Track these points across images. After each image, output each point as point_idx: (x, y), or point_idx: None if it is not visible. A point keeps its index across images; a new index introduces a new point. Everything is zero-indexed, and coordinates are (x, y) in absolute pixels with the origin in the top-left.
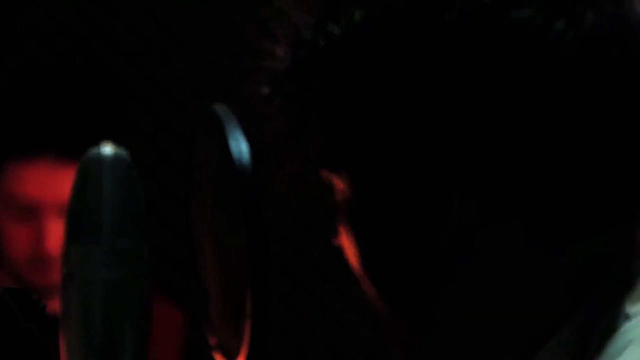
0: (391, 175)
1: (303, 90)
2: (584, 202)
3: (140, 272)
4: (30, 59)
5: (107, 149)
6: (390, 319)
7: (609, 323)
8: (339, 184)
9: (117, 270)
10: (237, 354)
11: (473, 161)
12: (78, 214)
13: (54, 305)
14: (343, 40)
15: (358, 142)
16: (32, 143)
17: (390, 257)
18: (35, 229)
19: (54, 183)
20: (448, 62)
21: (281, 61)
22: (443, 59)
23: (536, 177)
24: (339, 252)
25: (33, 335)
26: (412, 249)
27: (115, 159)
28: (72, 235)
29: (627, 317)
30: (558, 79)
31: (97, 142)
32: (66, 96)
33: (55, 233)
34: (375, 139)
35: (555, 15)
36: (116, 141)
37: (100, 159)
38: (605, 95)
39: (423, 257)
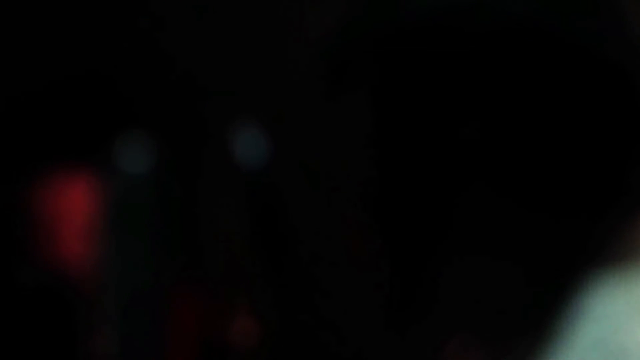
0: (421, 158)
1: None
2: (574, 195)
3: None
4: None
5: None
6: (388, 293)
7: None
8: (366, 166)
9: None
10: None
11: (482, 150)
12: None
13: None
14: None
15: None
16: None
17: (408, 235)
18: None
19: None
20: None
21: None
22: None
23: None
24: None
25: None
26: (431, 229)
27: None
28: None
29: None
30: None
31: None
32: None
33: None
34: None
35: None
36: (127, 142)
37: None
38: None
39: (440, 234)
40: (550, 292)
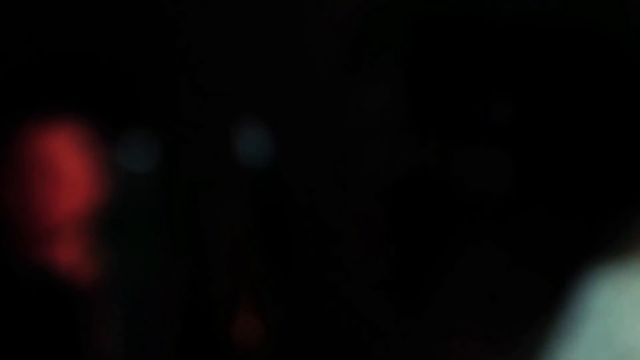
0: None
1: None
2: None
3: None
4: None
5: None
6: (395, 286)
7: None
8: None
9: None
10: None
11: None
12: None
13: None
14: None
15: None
16: None
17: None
18: None
19: None
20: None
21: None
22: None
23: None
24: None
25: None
26: (443, 222)
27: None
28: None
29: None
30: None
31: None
32: None
33: None
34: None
35: None
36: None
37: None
38: None
39: (451, 227)
40: (556, 290)
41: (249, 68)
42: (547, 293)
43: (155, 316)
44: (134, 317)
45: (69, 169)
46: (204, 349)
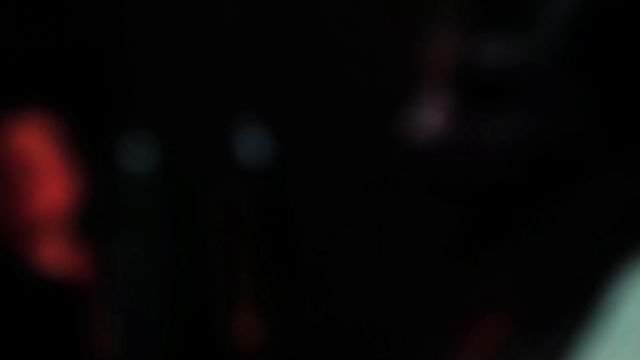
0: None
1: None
2: None
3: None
4: None
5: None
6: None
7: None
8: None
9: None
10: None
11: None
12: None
13: None
14: None
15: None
16: None
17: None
18: None
19: None
20: None
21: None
22: None
23: None
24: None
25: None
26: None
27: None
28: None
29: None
30: None
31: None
32: None
33: None
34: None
35: None
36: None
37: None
38: None
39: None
40: (588, 279)
41: (249, 68)
42: (580, 282)
43: (155, 316)
44: (135, 316)
45: (47, 164)
46: (204, 349)
